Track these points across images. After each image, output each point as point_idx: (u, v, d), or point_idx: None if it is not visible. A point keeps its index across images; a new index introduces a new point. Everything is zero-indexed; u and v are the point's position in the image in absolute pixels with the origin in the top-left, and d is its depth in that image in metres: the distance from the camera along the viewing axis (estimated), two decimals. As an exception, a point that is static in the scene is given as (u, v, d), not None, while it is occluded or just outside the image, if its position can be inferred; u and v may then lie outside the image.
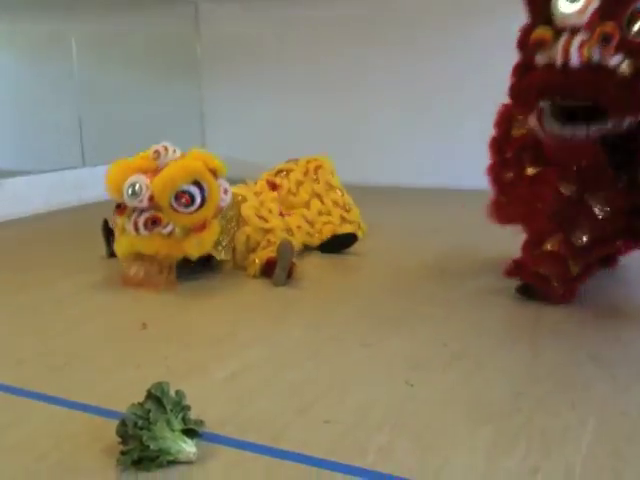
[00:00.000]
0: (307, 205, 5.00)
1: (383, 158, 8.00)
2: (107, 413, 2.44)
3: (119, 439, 2.16)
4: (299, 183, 5.06)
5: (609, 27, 2.62)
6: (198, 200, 3.95)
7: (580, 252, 3.30)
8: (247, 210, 4.53)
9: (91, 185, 7.32)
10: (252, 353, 3.03)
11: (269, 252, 4.23)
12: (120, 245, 4.19)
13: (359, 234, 5.03)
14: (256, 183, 5.04)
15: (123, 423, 2.15)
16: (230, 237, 4.32)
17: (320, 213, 4.97)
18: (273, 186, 4.98)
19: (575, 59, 2.68)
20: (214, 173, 4.09)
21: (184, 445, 2.13)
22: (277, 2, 8.42)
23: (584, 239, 3.24)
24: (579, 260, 3.32)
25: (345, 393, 2.60)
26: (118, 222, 4.20)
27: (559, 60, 2.73)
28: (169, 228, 3.97)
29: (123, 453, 2.11)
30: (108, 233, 4.80)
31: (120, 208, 4.16)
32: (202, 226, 4.01)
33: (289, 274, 4.06)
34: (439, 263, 4.44)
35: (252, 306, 3.76)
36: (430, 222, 5.93)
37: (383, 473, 2.06)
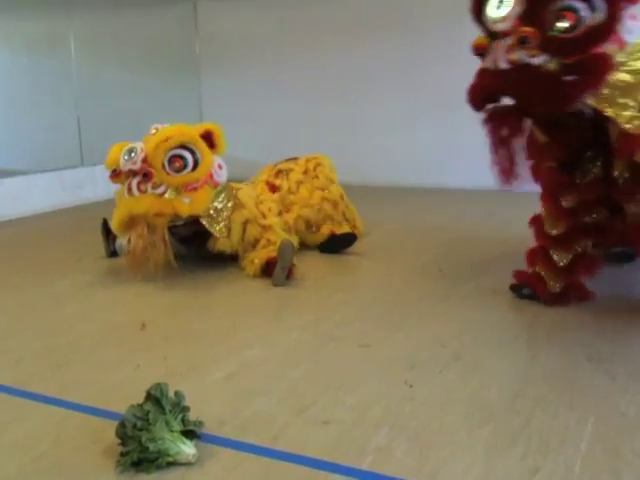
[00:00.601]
0: (308, 200, 4.97)
1: (382, 157, 7.99)
2: (106, 414, 2.44)
3: (118, 440, 2.16)
4: (299, 182, 5.06)
5: (527, 30, 2.75)
6: (190, 164, 4.11)
7: (557, 242, 3.42)
8: (244, 196, 4.55)
9: (90, 185, 7.33)
10: (251, 353, 3.03)
11: (269, 252, 4.23)
12: (116, 214, 4.27)
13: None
14: (254, 183, 5.05)
15: (122, 424, 2.15)
16: (227, 216, 4.35)
17: (324, 199, 4.96)
18: (273, 188, 4.98)
19: (504, 61, 2.81)
20: (211, 144, 4.25)
21: (183, 446, 2.13)
22: (276, 0, 8.42)
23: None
24: (559, 249, 3.42)
25: (344, 393, 2.61)
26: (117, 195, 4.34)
27: (490, 64, 2.89)
28: (161, 189, 4.09)
29: (122, 454, 2.11)
30: (107, 232, 4.81)
31: (115, 173, 4.26)
32: (194, 188, 4.14)
33: (289, 274, 4.06)
34: (438, 263, 4.44)
35: (251, 306, 3.77)
36: (430, 222, 5.93)
37: (382, 474, 2.06)
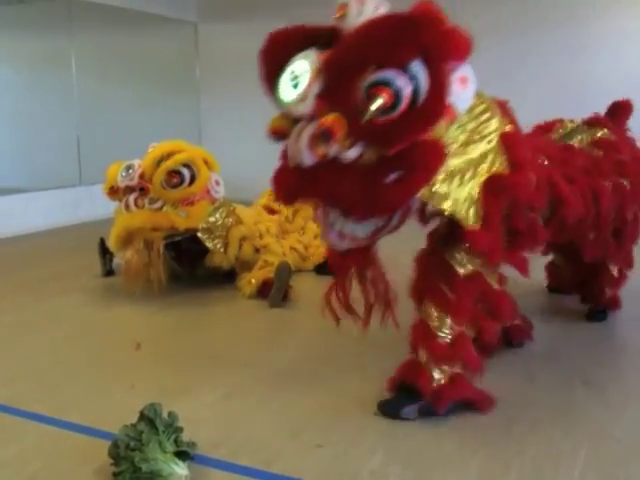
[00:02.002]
0: (302, 230, 5.04)
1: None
2: (99, 434, 2.43)
3: (111, 460, 2.15)
4: (295, 211, 5.10)
5: (327, 122, 2.04)
6: (187, 179, 4.18)
7: None
8: (242, 213, 4.62)
9: (88, 204, 7.34)
10: (246, 374, 3.03)
11: (265, 272, 4.25)
12: (113, 230, 4.34)
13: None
14: (253, 207, 5.09)
15: (115, 444, 2.14)
16: (224, 231, 4.38)
17: (316, 236, 4.98)
18: (272, 212, 5.04)
19: (308, 157, 2.13)
20: (206, 163, 4.33)
21: (176, 467, 2.12)
22: (276, 22, 8.43)
23: None
24: None
25: (338, 416, 2.60)
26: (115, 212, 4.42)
27: (293, 158, 2.22)
28: (158, 204, 4.17)
29: (115, 475, 2.10)
30: (104, 252, 4.82)
31: (112, 189, 4.34)
32: (190, 202, 4.21)
33: (285, 296, 4.07)
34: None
35: (246, 327, 3.76)
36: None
37: (375, 498, 2.06)
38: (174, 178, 4.14)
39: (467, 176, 2.35)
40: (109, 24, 8.27)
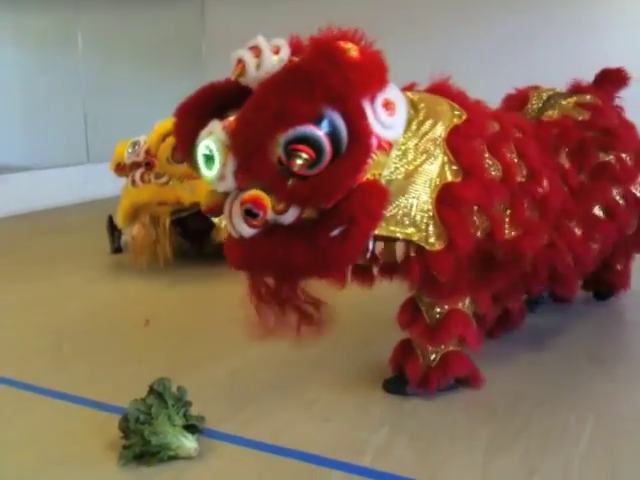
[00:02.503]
0: None
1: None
2: (109, 408, 2.46)
3: (121, 434, 2.18)
4: None
5: (249, 197, 1.96)
6: None
7: None
8: None
9: (96, 181, 7.35)
10: (254, 350, 3.05)
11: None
12: (120, 206, 4.40)
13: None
14: None
15: (125, 418, 2.17)
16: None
17: None
18: None
19: (244, 229, 2.05)
20: None
21: (185, 440, 2.15)
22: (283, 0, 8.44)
23: None
24: None
25: (345, 392, 2.62)
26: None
27: (231, 232, 2.15)
28: (164, 179, 4.23)
29: (125, 448, 2.13)
30: (113, 229, 4.84)
31: (119, 166, 4.41)
32: (196, 176, 4.23)
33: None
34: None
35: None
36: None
37: (381, 471, 2.08)
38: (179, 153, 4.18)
39: (422, 197, 2.25)
40: (115, 1, 8.22)
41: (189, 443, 2.15)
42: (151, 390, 2.25)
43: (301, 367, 2.85)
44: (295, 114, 1.93)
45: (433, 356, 2.53)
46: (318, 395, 2.60)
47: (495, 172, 2.44)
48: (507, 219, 2.47)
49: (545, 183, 2.62)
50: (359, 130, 2.01)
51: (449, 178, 2.28)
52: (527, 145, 2.65)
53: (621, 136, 3.06)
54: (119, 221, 4.47)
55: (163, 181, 4.22)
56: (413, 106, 2.32)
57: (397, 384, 2.59)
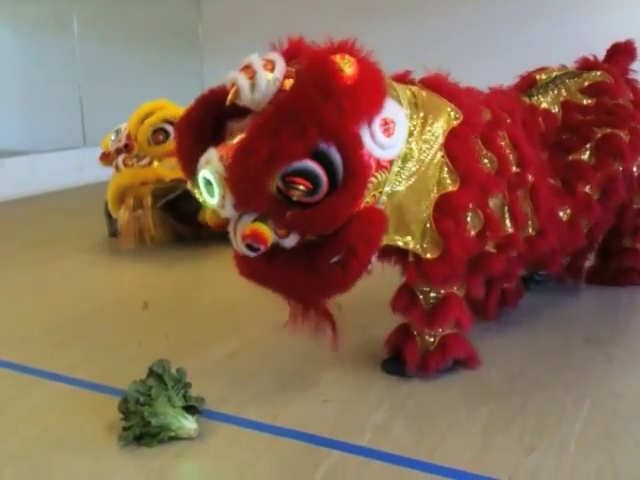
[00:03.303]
0: None
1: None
2: (109, 390, 2.47)
3: (121, 415, 2.19)
4: None
5: (249, 232, 2.00)
6: (172, 135, 4.23)
7: None
8: None
9: (92, 165, 7.30)
10: (252, 331, 3.06)
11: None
12: (108, 192, 4.49)
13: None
14: None
15: (125, 399, 2.18)
16: None
17: None
18: None
19: (248, 252, 2.09)
20: None
21: (185, 421, 2.16)
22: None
23: None
24: None
25: (344, 373, 2.63)
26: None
27: (238, 249, 2.16)
28: (146, 160, 4.36)
29: (125, 429, 2.15)
30: (109, 213, 4.85)
31: (104, 154, 4.55)
32: None
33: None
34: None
35: (253, 285, 3.78)
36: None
37: (380, 451, 2.10)
38: (159, 135, 4.32)
39: (421, 207, 2.30)
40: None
41: (189, 424, 2.17)
42: (150, 372, 2.26)
43: (300, 348, 2.86)
44: (289, 155, 1.93)
45: (431, 339, 2.55)
46: (317, 376, 2.61)
47: (491, 165, 2.48)
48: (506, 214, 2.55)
49: (533, 171, 2.67)
50: (354, 162, 2.02)
51: (447, 187, 2.32)
52: (517, 132, 2.67)
53: (627, 114, 3.04)
54: (110, 207, 4.52)
55: (145, 163, 4.35)
56: (411, 103, 2.32)
57: (397, 365, 2.60)
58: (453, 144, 2.35)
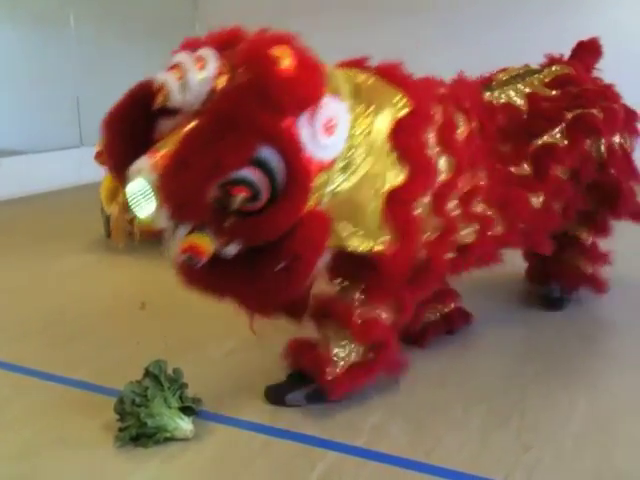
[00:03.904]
0: None
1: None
2: (105, 390, 2.47)
3: (117, 416, 2.19)
4: None
5: (187, 246, 1.90)
6: None
7: None
8: None
9: (89, 164, 7.29)
10: (249, 331, 3.04)
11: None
12: (101, 191, 4.43)
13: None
14: None
15: (121, 400, 2.18)
16: None
17: None
18: None
19: (200, 259, 1.94)
20: None
21: (181, 422, 2.16)
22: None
23: None
24: None
25: (341, 372, 2.63)
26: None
27: (176, 261, 2.04)
28: None
29: (121, 430, 2.15)
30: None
31: (98, 154, 4.50)
32: None
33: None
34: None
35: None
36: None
37: (376, 451, 2.10)
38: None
39: (371, 204, 2.20)
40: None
41: (185, 425, 2.16)
42: (147, 372, 2.26)
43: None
44: (227, 166, 1.83)
45: (345, 357, 2.38)
46: (313, 376, 2.60)
47: (448, 166, 2.42)
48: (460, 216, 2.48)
49: (484, 172, 2.60)
50: (296, 168, 1.93)
51: (396, 180, 2.23)
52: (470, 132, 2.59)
53: (591, 94, 2.97)
54: (104, 206, 4.51)
55: None
56: (352, 93, 2.21)
57: (278, 392, 2.42)
58: (400, 137, 2.25)
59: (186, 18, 9.23)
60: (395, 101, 2.30)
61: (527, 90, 2.95)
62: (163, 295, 3.63)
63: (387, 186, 2.22)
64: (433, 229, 2.41)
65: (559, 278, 3.31)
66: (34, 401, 2.47)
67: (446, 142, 2.44)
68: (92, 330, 3.14)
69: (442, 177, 2.42)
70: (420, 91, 2.41)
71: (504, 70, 3.13)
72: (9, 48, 8.76)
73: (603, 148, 2.97)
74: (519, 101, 2.91)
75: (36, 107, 8.49)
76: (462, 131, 2.55)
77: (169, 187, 1.85)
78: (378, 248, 2.21)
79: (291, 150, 1.92)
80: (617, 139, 3.04)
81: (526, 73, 3.07)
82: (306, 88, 1.95)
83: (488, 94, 2.90)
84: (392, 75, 2.38)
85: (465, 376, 2.59)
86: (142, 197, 1.92)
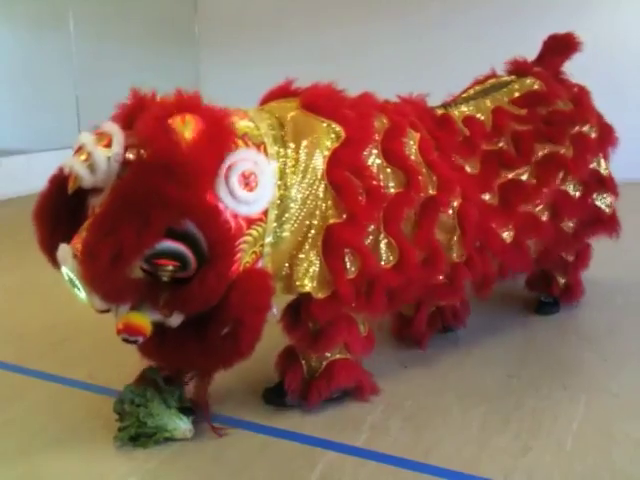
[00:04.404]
0: None
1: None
2: (104, 391, 2.47)
3: (116, 416, 2.19)
4: None
5: (122, 328, 1.92)
6: None
7: None
8: None
9: (89, 164, 7.32)
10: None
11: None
12: None
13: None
14: None
15: (120, 400, 2.18)
16: None
17: None
18: None
19: (138, 337, 1.96)
20: None
21: (180, 422, 2.16)
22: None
23: None
24: None
25: (340, 373, 2.62)
26: None
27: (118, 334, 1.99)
28: None
29: (120, 430, 2.14)
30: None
31: None
32: None
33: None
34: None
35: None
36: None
37: (376, 451, 2.10)
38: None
39: (311, 249, 2.16)
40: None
41: (184, 425, 2.16)
42: (143, 375, 2.26)
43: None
44: (135, 248, 1.79)
45: (317, 364, 2.36)
46: (313, 376, 2.60)
47: (396, 181, 2.33)
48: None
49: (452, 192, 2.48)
50: (215, 234, 1.89)
51: (332, 219, 2.17)
52: (426, 145, 2.49)
53: (566, 121, 2.88)
54: None
55: None
56: (277, 138, 2.15)
57: (277, 394, 2.40)
58: (335, 172, 2.18)
59: (185, 18, 9.23)
60: (327, 133, 2.22)
61: (491, 106, 2.84)
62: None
63: (324, 225, 2.17)
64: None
65: (538, 286, 3.28)
66: (33, 401, 2.47)
67: (392, 153, 2.34)
68: (90, 331, 3.13)
69: (391, 191, 2.32)
70: (353, 113, 2.31)
71: (477, 83, 3.05)
72: (8, 48, 8.76)
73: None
74: (481, 116, 2.79)
75: (36, 107, 8.49)
76: (411, 141, 2.45)
77: (87, 279, 1.83)
78: (314, 291, 2.17)
79: (205, 218, 1.87)
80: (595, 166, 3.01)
81: (491, 88, 2.95)
82: (209, 154, 1.91)
83: (441, 110, 2.80)
84: (318, 105, 2.28)
85: (465, 377, 2.59)
86: (72, 285, 1.94)
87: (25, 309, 3.46)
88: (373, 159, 2.31)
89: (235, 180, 1.96)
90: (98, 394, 2.47)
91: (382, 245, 2.30)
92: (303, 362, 2.37)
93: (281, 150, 2.14)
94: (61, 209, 2.03)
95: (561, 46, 3.15)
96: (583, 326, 3.07)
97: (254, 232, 2.04)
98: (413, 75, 7.65)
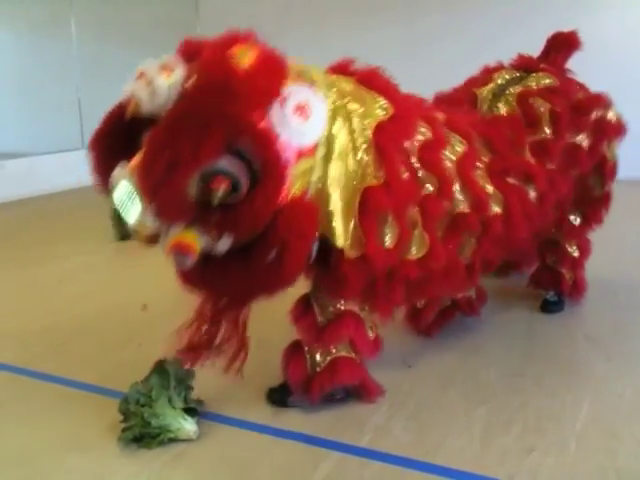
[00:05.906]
0: None
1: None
2: (109, 392, 2.47)
3: (121, 417, 2.19)
4: None
5: (173, 245, 1.92)
6: None
7: None
8: None
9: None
10: (251, 332, 3.04)
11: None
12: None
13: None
14: None
15: (125, 400, 2.18)
16: None
17: None
18: None
19: (180, 264, 1.99)
20: None
21: (185, 423, 2.16)
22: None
23: None
24: None
25: (344, 373, 2.62)
26: None
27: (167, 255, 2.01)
28: None
29: (124, 430, 2.14)
30: (119, 214, 4.84)
31: None
32: None
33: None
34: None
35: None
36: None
37: (379, 451, 2.10)
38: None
39: (348, 202, 2.14)
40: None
41: (189, 425, 2.16)
42: (160, 366, 2.27)
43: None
44: (201, 156, 1.82)
45: (321, 359, 2.35)
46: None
47: (429, 185, 2.34)
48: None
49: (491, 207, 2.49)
50: (267, 158, 1.91)
51: (372, 181, 2.17)
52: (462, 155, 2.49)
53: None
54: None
55: None
56: (331, 87, 2.20)
57: (280, 394, 2.42)
58: (381, 137, 2.20)
59: (187, 20, 9.24)
60: (376, 106, 2.27)
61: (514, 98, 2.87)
62: (164, 298, 3.63)
63: (362, 186, 2.16)
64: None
65: (545, 284, 3.29)
66: (37, 403, 2.47)
67: (428, 159, 2.36)
68: (95, 332, 3.14)
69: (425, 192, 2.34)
70: (401, 99, 2.38)
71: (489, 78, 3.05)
72: (10, 51, 8.78)
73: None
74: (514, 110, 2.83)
75: (38, 109, 8.50)
76: (455, 151, 2.47)
77: (144, 189, 1.86)
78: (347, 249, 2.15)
79: (261, 138, 1.91)
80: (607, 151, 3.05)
81: (507, 84, 2.96)
82: (267, 79, 1.96)
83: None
84: (373, 81, 2.36)
85: (469, 377, 2.58)
86: (128, 200, 1.95)
87: (28, 311, 3.46)
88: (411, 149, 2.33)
89: (290, 108, 1.99)
90: (102, 396, 2.47)
91: (415, 233, 2.29)
92: (308, 356, 2.36)
93: (337, 99, 2.18)
94: (115, 141, 2.08)
95: (564, 44, 3.16)
96: (588, 325, 3.07)
97: (304, 163, 2.05)
98: (414, 78, 7.70)
